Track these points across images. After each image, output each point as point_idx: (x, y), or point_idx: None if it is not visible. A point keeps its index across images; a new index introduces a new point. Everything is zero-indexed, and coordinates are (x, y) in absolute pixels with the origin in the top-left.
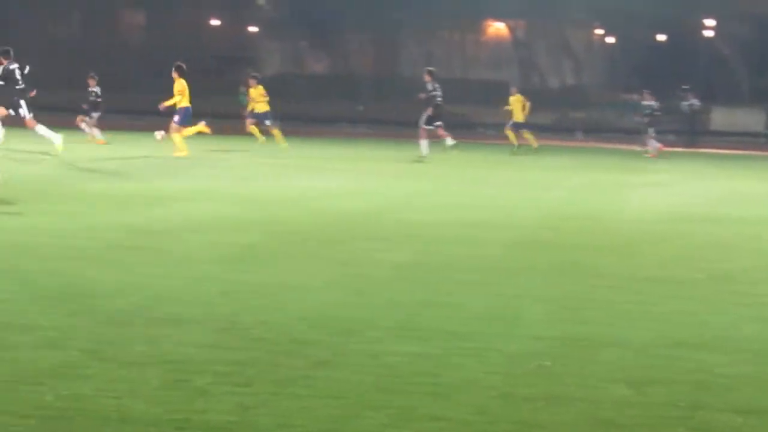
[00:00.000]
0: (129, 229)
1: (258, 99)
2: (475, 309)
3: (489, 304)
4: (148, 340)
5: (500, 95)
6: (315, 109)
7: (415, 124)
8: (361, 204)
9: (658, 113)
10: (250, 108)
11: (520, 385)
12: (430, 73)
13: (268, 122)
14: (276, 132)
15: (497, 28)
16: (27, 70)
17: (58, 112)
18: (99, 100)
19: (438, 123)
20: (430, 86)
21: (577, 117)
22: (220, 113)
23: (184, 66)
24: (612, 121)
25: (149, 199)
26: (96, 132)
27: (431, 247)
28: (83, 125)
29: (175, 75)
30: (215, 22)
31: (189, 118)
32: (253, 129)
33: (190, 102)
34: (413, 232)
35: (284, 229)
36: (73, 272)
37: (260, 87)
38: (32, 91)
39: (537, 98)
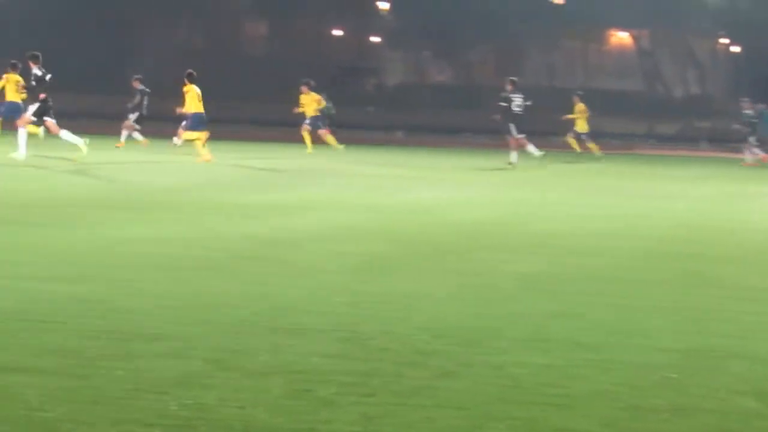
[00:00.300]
0: (253, 239)
1: (309, 105)
2: (600, 320)
3: (614, 316)
4: (272, 350)
5: (625, 105)
6: (437, 120)
7: (538, 135)
8: (484, 214)
9: (755, 121)
10: (305, 113)
11: (646, 397)
12: (512, 82)
13: (319, 128)
14: (329, 137)
15: (620, 37)
16: (49, 77)
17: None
18: (144, 103)
19: (521, 133)
20: (510, 96)
21: (702, 126)
22: (344, 123)
23: (194, 72)
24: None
25: (273, 209)
26: (124, 134)
27: (557, 258)
28: (127, 132)
29: (186, 81)
30: (338, 32)
31: (199, 123)
32: (306, 136)
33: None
34: (538, 242)
35: (408, 239)
36: (197, 282)
37: (313, 94)
38: (42, 93)
39: (661, 108)
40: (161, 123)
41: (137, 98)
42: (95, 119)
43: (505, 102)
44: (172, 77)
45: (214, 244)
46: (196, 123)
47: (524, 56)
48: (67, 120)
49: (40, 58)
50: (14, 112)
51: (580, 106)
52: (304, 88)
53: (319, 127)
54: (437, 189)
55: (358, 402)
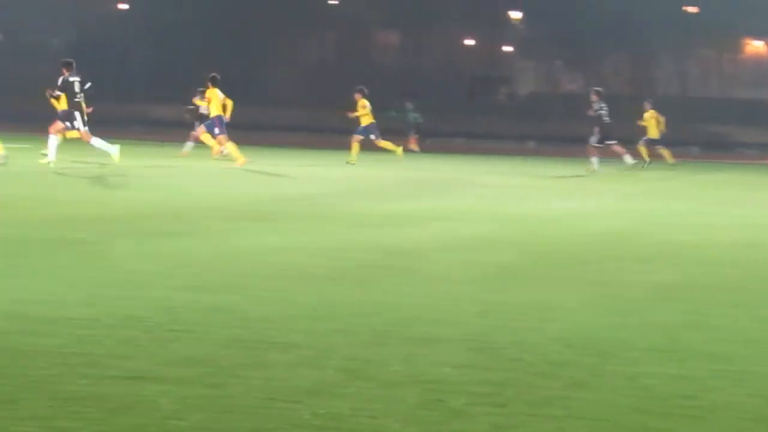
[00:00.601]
0: (383, 249)
1: (362, 113)
2: (735, 331)
3: (749, 326)
4: (404, 360)
5: (761, 115)
6: (568, 129)
7: (664, 144)
8: (613, 223)
9: None
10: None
11: None
12: (597, 93)
13: (373, 136)
14: (386, 144)
15: (756, 46)
16: (88, 85)
17: (316, 133)
18: (204, 112)
19: (611, 141)
20: (596, 105)
21: None
22: (474, 134)
23: (218, 76)
24: None
25: (400, 218)
26: (189, 144)
27: (689, 268)
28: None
29: (209, 85)
30: (469, 42)
31: (223, 126)
32: (385, 144)
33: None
34: (669, 252)
35: (540, 249)
36: (328, 291)
37: (364, 100)
38: (89, 107)
39: None
40: (290, 133)
41: (194, 108)
42: (236, 129)
43: (597, 111)
44: (304, 88)
45: (342, 254)
46: (216, 126)
47: (657, 65)
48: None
49: (74, 65)
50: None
51: (650, 113)
52: (357, 95)
53: (373, 136)
54: (566, 198)
55: (490, 412)
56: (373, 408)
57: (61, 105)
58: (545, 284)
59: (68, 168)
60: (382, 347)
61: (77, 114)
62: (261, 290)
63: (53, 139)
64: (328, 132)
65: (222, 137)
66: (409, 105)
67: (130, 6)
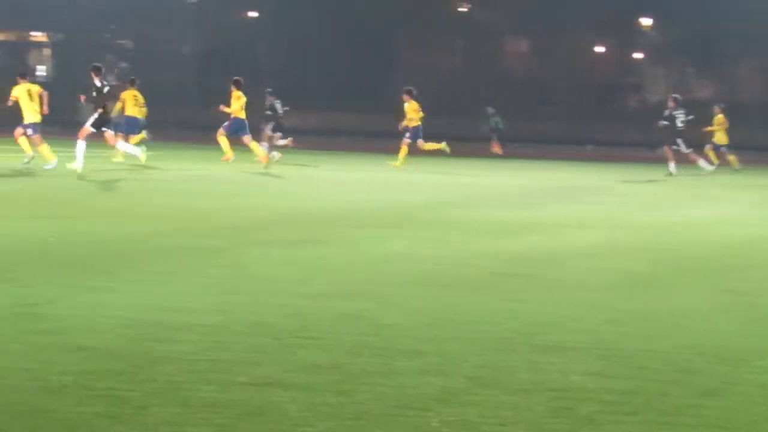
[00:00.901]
0: (508, 256)
1: (412, 115)
2: None
3: None
4: (532, 367)
5: None
6: (698, 136)
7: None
8: (746, 231)
9: None
10: (404, 125)
11: None
12: (675, 100)
13: (418, 140)
14: (430, 146)
15: None
16: (107, 90)
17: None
18: (278, 114)
19: (675, 147)
20: (668, 112)
21: None
22: (603, 141)
23: (242, 80)
24: None
25: (526, 225)
26: (264, 146)
27: None
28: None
29: (233, 88)
30: (599, 49)
31: (239, 127)
32: (430, 146)
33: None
34: None
35: (671, 256)
36: (456, 298)
37: (414, 102)
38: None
39: None
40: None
41: (270, 112)
42: (354, 137)
43: (668, 120)
44: (434, 96)
45: (471, 261)
46: (238, 127)
47: None
48: (326, 138)
49: (103, 70)
50: (133, 126)
51: (719, 118)
52: (405, 96)
53: (419, 138)
54: (696, 206)
55: (621, 421)
56: (501, 415)
57: (127, 111)
58: (676, 291)
59: (198, 176)
60: (510, 354)
61: (98, 115)
62: (390, 297)
63: (80, 144)
64: (458, 139)
65: (245, 137)
66: (490, 110)
67: (260, 13)
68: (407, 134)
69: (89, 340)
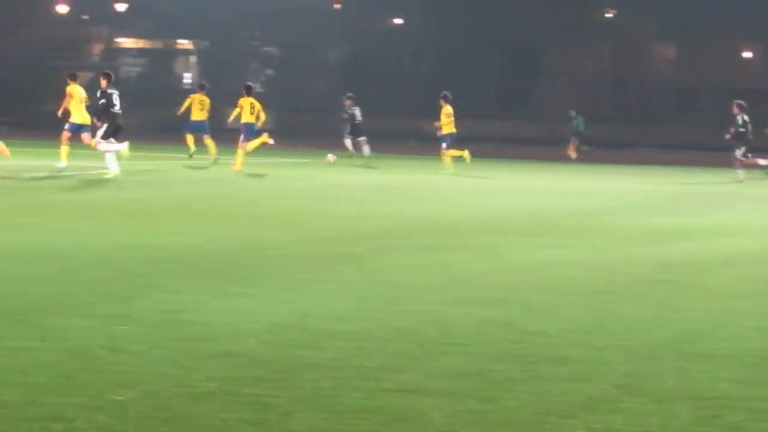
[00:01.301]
0: (659, 263)
1: (445, 120)
2: None
3: None
4: (679, 375)
5: None
6: None
7: None
8: None
9: None
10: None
11: None
12: (740, 107)
13: (444, 144)
14: (459, 152)
15: None
16: (116, 97)
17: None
18: (356, 120)
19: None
20: (739, 119)
21: None
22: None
23: (252, 85)
24: None
25: (677, 232)
26: (349, 147)
27: None
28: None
29: (243, 93)
30: (747, 54)
31: (251, 133)
32: (453, 152)
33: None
34: None
35: None
36: (603, 306)
37: (448, 107)
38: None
39: None
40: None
41: (347, 117)
42: (501, 144)
43: (742, 127)
44: (580, 101)
45: (618, 268)
46: (250, 132)
47: None
48: (474, 144)
49: (113, 77)
50: (200, 129)
51: None
52: (442, 101)
53: (444, 144)
54: None
55: None
56: (647, 423)
57: (194, 116)
58: None
59: (337, 183)
60: (657, 362)
61: (105, 125)
62: (535, 304)
63: (110, 155)
64: (601, 146)
65: (245, 144)
66: (572, 113)
67: (405, 20)
68: (443, 143)
69: (234, 346)
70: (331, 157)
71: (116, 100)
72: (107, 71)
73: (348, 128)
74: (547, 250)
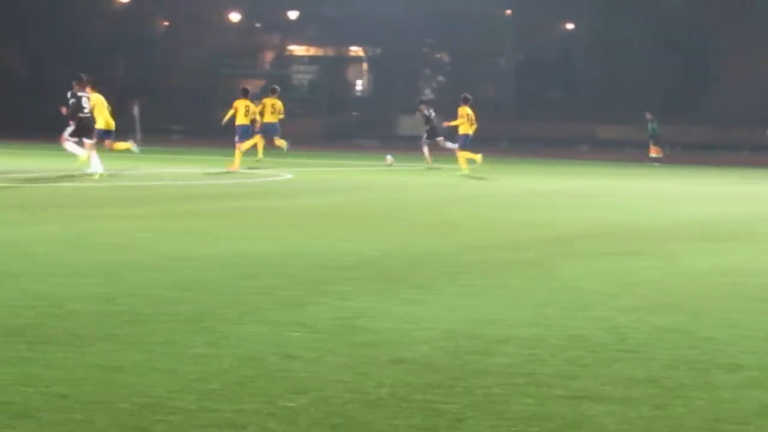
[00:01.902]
0: None
1: (460, 121)
2: None
3: None
4: None
5: None
6: None
7: None
8: None
9: None
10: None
11: None
12: None
13: (455, 145)
14: (473, 155)
15: None
16: (84, 99)
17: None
18: (432, 122)
19: None
20: None
21: None
22: None
23: (248, 89)
24: None
25: None
26: (426, 153)
27: None
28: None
29: (240, 96)
30: None
31: (245, 134)
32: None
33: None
34: None
35: None
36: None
37: (465, 108)
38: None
39: None
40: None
41: (424, 120)
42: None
43: None
44: (753, 106)
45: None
46: (244, 134)
47: None
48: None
49: (84, 79)
50: (272, 131)
51: None
52: (462, 102)
53: (466, 146)
54: None
55: None
56: None
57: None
58: None
59: (507, 188)
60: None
61: (71, 124)
62: (709, 311)
63: (94, 157)
64: None
65: (240, 144)
66: (648, 116)
67: (576, 25)
68: (457, 143)
69: (406, 352)
70: (389, 158)
71: (85, 103)
72: (80, 75)
73: (425, 134)
74: (723, 257)
